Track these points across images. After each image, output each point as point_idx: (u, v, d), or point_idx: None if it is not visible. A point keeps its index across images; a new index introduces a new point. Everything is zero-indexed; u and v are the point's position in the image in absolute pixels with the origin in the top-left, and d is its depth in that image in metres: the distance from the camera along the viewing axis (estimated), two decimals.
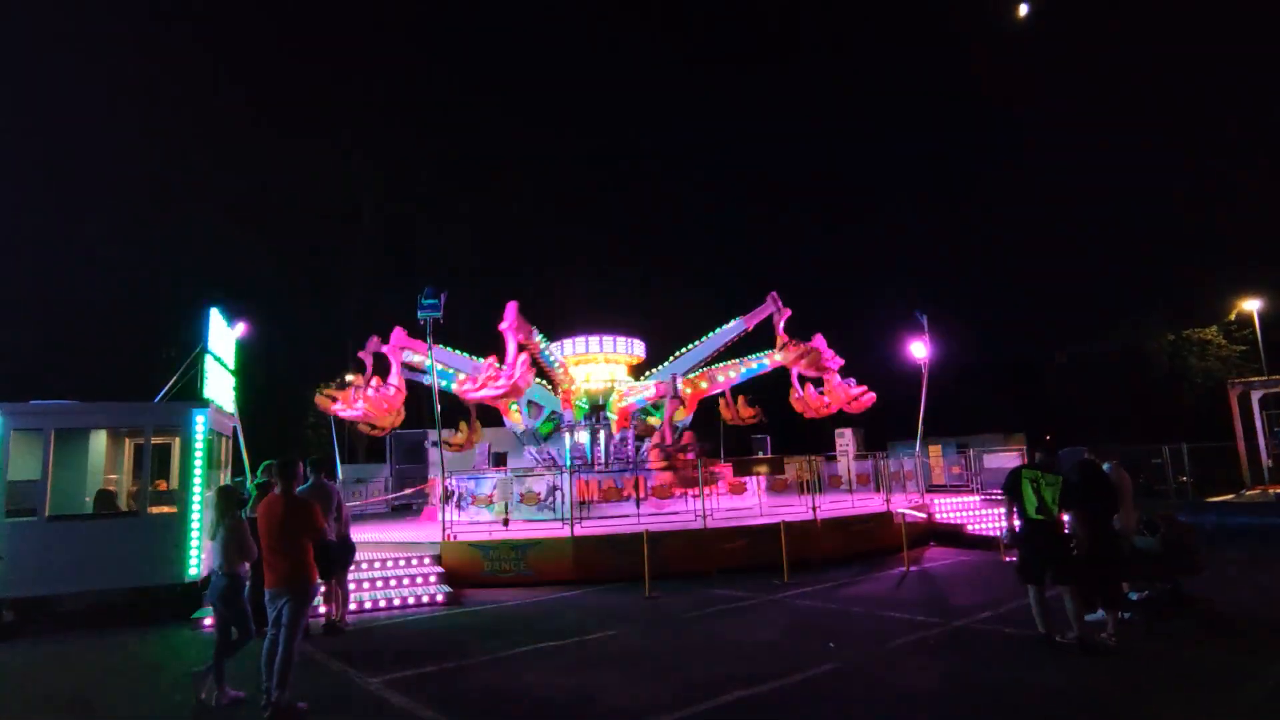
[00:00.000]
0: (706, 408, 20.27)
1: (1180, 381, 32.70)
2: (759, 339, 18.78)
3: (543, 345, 16.64)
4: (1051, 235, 49.87)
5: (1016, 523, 7.29)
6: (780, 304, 18.07)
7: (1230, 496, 19.90)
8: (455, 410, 19.00)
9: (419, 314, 12.39)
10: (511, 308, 14.49)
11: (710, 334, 18.69)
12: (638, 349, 19.41)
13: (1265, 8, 38.70)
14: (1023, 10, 43.78)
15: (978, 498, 17.83)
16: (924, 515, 14.97)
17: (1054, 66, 52.45)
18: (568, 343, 18.96)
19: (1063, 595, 6.96)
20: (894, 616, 8.61)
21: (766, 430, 25.37)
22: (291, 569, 5.86)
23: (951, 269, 51.65)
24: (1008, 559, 12.44)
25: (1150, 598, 8.12)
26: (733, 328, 18.52)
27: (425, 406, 23.43)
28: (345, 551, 9.08)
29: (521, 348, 14.51)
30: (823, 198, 60.61)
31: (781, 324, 17.88)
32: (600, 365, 19.09)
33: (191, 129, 39.32)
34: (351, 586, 10.07)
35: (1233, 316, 31.85)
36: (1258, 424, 21.84)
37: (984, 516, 15.61)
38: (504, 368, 14.05)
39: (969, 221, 54.23)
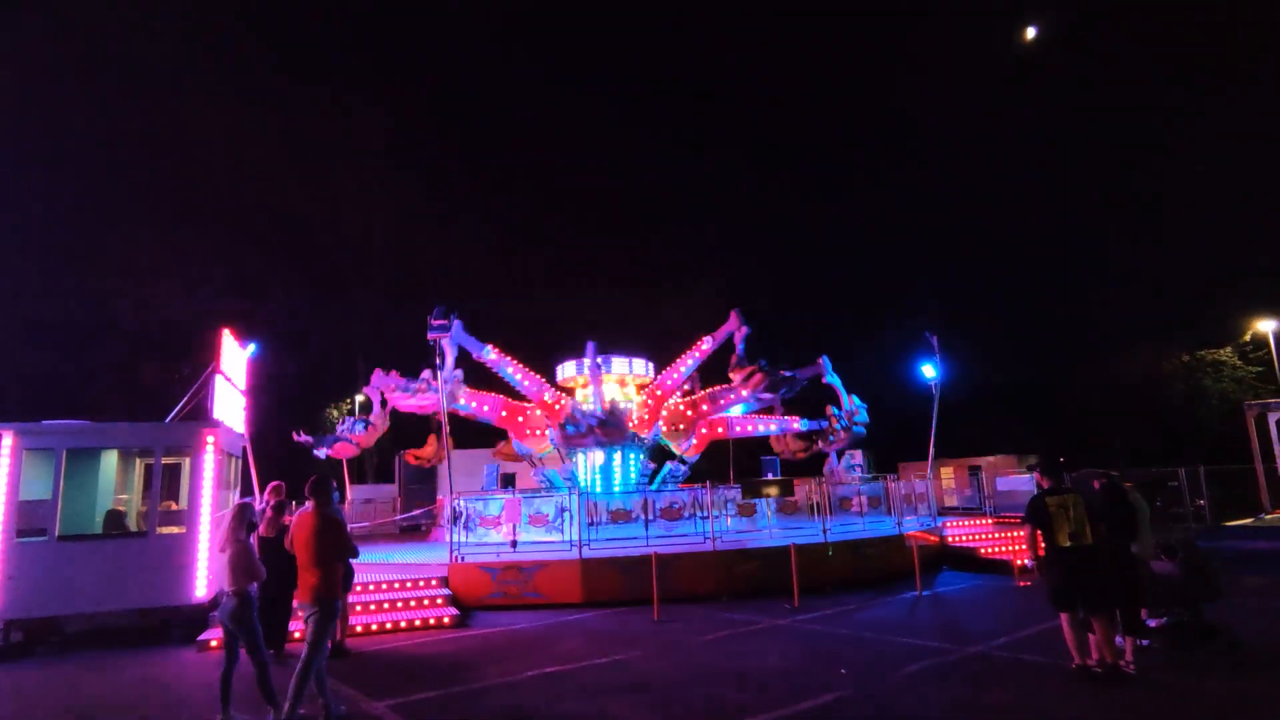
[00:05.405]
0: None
1: (1196, 403, 32.35)
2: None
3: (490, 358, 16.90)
4: (1064, 255, 49.60)
5: (1040, 552, 7.10)
6: (741, 322, 17.79)
7: (1249, 520, 19.59)
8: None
9: (429, 334, 12.46)
10: (458, 323, 14.96)
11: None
12: (637, 367, 19.24)
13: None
14: (1030, 33, 44.15)
15: (990, 520, 17.61)
16: (935, 538, 14.82)
17: (1067, 86, 52.50)
18: (570, 364, 18.93)
19: (1093, 622, 6.79)
20: (907, 642, 8.46)
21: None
22: (320, 583, 5.97)
23: (963, 289, 51.33)
24: (1022, 584, 12.27)
25: (1169, 625, 7.94)
26: (705, 346, 18.42)
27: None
28: (347, 575, 9.02)
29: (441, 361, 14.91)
30: (831, 214, 60.51)
31: (740, 343, 17.52)
32: (608, 385, 18.95)
33: (206, 149, 40.00)
34: (358, 609, 10.00)
35: (1247, 337, 31.57)
36: (1276, 446, 21.38)
37: (997, 539, 15.39)
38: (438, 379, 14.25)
39: (981, 240, 54.06)
